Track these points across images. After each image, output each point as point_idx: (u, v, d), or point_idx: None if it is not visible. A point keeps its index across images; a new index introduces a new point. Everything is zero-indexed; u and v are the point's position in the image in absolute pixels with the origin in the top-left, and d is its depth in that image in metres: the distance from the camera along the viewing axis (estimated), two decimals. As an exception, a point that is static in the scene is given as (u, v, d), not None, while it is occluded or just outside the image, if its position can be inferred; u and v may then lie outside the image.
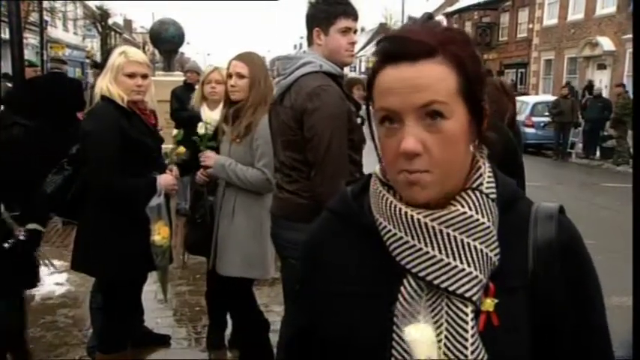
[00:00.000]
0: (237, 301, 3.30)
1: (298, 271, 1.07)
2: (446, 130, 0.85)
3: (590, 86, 18.02)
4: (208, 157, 3.14)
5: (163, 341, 3.88)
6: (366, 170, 1.79)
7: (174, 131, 3.66)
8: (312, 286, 1.00)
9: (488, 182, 0.92)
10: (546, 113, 16.40)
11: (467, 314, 0.85)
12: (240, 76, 3.05)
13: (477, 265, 0.86)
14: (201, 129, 3.25)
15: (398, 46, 0.87)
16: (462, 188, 0.90)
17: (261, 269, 3.18)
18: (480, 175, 0.92)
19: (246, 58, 3.12)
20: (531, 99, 18.61)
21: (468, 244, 0.87)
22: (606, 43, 21.11)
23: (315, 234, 1.05)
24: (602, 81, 21.12)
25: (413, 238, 0.88)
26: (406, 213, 0.88)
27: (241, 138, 3.05)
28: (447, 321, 0.86)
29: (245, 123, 3.03)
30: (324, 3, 2.49)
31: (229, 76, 3.08)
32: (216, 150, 3.26)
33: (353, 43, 2.57)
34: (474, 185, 0.91)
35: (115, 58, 2.92)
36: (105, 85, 2.87)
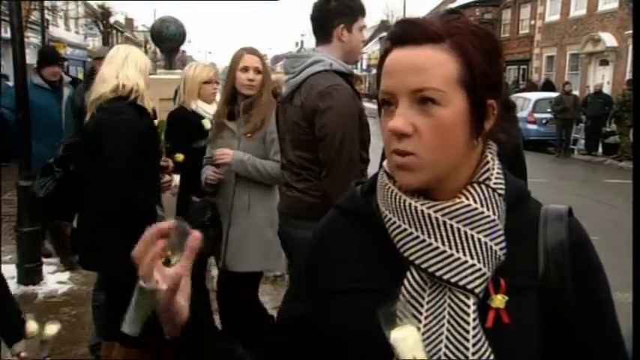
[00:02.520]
0: (248, 297, 3.30)
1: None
2: (438, 116, 0.85)
3: (547, 82, 18.12)
4: (226, 154, 3.09)
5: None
6: (371, 170, 1.78)
7: (155, 121, 3.64)
8: (316, 283, 1.00)
9: (496, 178, 0.91)
10: (548, 110, 16.39)
11: (469, 306, 0.84)
12: (258, 71, 3.08)
13: (481, 257, 0.85)
14: (207, 125, 3.22)
15: (405, 29, 0.88)
16: (468, 182, 0.90)
17: (279, 262, 3.18)
18: (488, 169, 0.92)
19: (258, 53, 3.18)
20: (533, 95, 18.59)
21: (472, 236, 0.86)
22: (608, 39, 21.05)
23: (321, 232, 1.05)
24: (604, 77, 21.07)
25: (416, 230, 0.87)
26: (410, 204, 0.88)
27: (254, 133, 3.06)
28: (448, 313, 0.85)
29: (259, 118, 3.05)
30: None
31: (245, 70, 3.08)
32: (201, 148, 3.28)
33: (364, 41, 2.57)
34: (481, 179, 0.90)
35: (145, 60, 2.92)
36: (142, 88, 2.83)
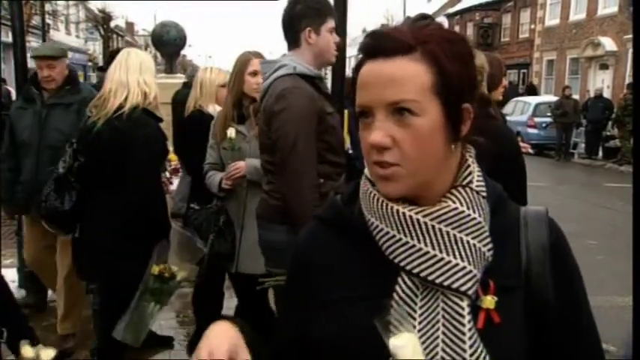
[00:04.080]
0: (261, 298, 3.31)
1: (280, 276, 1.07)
2: (415, 126, 0.86)
3: (531, 87, 18.29)
4: (240, 167, 3.12)
5: (167, 343, 3.89)
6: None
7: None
8: (302, 297, 0.99)
9: (478, 181, 0.93)
10: (548, 114, 16.40)
11: (463, 308, 0.85)
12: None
13: (471, 259, 0.86)
14: (231, 133, 3.22)
15: (376, 41, 0.89)
16: (451, 186, 0.92)
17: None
18: (470, 173, 0.93)
19: (263, 57, 3.19)
20: (533, 99, 18.61)
21: (461, 239, 0.87)
22: (608, 44, 21.08)
23: (302, 245, 1.04)
24: (604, 81, 21.09)
25: (405, 236, 0.88)
26: (397, 210, 0.89)
27: None
28: (443, 316, 0.86)
29: None
30: (312, 1, 2.45)
31: (254, 74, 3.10)
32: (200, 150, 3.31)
33: (336, 43, 2.57)
34: (464, 182, 0.92)
35: (153, 64, 2.92)
36: (155, 91, 2.82)
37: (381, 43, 0.87)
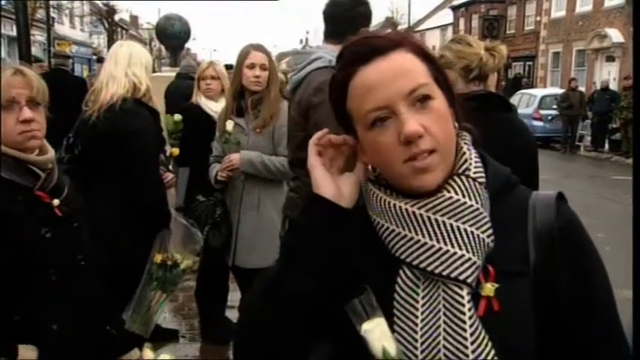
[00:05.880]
0: None
1: None
2: (435, 108, 0.89)
3: (515, 78, 18.21)
4: (233, 160, 3.14)
5: (172, 336, 3.90)
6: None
7: (177, 116, 3.73)
8: None
9: (475, 167, 0.93)
10: (554, 106, 16.34)
11: (462, 297, 0.86)
12: (264, 67, 3.13)
13: (470, 247, 0.87)
14: (229, 126, 3.24)
15: (366, 45, 0.92)
16: (449, 175, 0.92)
17: None
18: (465, 160, 0.94)
19: (265, 49, 3.22)
20: (539, 92, 18.54)
21: (458, 227, 0.88)
22: (615, 35, 20.93)
23: None
24: (610, 73, 20.97)
25: (404, 229, 0.89)
26: (394, 205, 0.91)
27: (263, 128, 3.10)
28: (444, 306, 0.86)
29: (268, 113, 3.09)
30: (369, 6, 2.54)
31: (251, 66, 3.10)
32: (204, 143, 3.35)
33: None
34: (460, 171, 0.92)
35: (148, 57, 2.91)
36: (146, 83, 2.81)
37: (371, 45, 0.91)
